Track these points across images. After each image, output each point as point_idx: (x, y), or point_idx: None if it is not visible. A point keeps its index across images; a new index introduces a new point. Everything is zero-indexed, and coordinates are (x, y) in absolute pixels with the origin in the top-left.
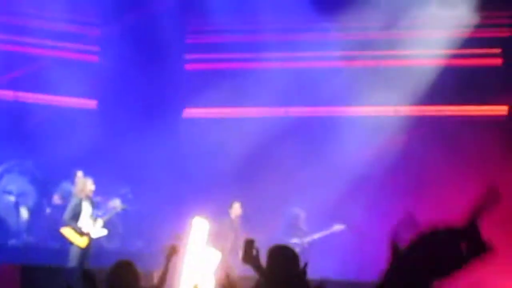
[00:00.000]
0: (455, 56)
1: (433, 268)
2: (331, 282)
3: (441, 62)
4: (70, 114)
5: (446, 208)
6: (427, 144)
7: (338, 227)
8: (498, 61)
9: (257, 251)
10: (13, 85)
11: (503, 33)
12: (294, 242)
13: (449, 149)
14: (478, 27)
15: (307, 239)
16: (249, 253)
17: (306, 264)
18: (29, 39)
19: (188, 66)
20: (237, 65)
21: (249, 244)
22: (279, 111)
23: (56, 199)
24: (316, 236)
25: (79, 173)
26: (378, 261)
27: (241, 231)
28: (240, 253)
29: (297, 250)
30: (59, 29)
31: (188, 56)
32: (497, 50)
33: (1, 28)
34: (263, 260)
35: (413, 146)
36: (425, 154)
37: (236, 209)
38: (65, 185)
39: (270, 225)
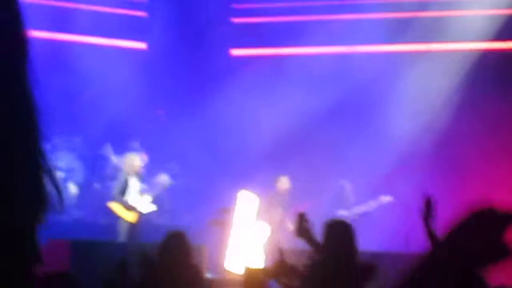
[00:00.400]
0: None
1: (478, 254)
2: (380, 254)
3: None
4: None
5: (492, 185)
6: (473, 121)
7: (385, 199)
8: None
9: (310, 225)
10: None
11: None
12: (342, 213)
13: (495, 127)
14: None
15: (356, 210)
16: (302, 227)
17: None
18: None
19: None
20: (282, 48)
21: (301, 218)
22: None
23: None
24: (364, 207)
25: (136, 144)
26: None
27: (289, 204)
28: (290, 227)
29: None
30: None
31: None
32: None
33: None
34: (317, 234)
35: (460, 123)
36: (472, 132)
37: (284, 182)
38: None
39: (318, 198)
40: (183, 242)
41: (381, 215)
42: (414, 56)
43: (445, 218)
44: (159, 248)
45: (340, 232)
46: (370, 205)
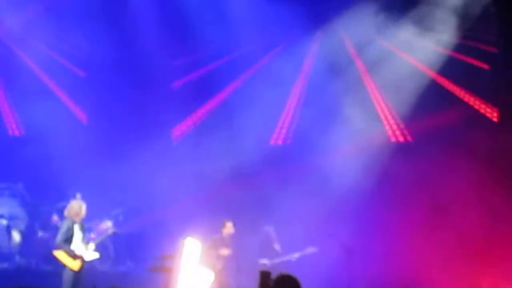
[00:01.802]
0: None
1: None
2: None
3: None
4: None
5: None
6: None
7: (310, 250)
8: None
9: (273, 283)
10: None
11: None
12: (264, 262)
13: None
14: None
15: (277, 260)
16: (265, 285)
17: None
18: None
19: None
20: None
21: (265, 276)
22: (263, 138)
23: (55, 219)
24: (286, 257)
25: (78, 195)
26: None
27: (233, 249)
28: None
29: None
30: None
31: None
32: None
33: None
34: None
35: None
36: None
37: (229, 228)
38: (62, 205)
39: (249, 245)
40: None
41: (306, 265)
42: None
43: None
44: None
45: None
46: (293, 256)
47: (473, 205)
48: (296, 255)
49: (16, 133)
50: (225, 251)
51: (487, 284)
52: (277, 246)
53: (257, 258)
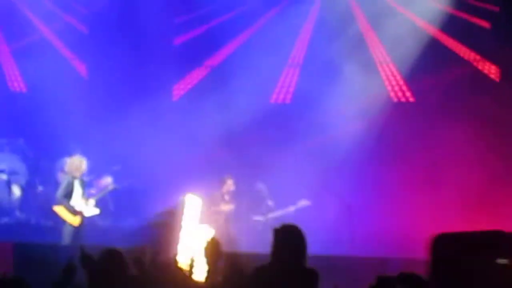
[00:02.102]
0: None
1: None
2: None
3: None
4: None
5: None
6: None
7: (303, 203)
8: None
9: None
10: None
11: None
12: (257, 219)
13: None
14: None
15: (271, 215)
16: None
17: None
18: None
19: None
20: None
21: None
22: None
23: (61, 175)
24: (280, 212)
25: (79, 152)
26: (337, 235)
27: (235, 205)
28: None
29: (260, 226)
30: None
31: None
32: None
33: None
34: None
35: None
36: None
37: (229, 184)
38: (63, 161)
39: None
40: (117, 260)
41: (300, 220)
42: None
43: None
44: (95, 266)
45: (287, 237)
46: (287, 210)
47: (472, 164)
48: (290, 209)
49: (19, 89)
50: (225, 206)
51: None
52: (270, 202)
53: (250, 214)
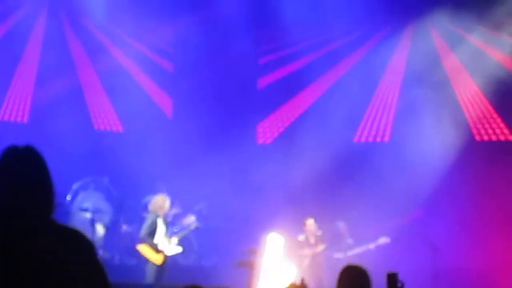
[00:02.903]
0: None
1: None
2: None
3: None
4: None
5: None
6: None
7: (383, 240)
8: None
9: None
10: None
11: None
12: (337, 257)
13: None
14: None
15: (350, 252)
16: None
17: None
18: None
19: (261, 85)
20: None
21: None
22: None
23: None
24: (360, 249)
25: (165, 190)
26: (419, 274)
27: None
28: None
29: (341, 264)
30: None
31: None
32: None
33: None
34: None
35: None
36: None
37: (310, 225)
38: (148, 200)
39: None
40: None
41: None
42: None
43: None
44: None
45: (353, 278)
46: (367, 247)
47: None
48: (370, 246)
49: (109, 127)
50: (307, 251)
51: None
52: (349, 240)
53: (330, 252)
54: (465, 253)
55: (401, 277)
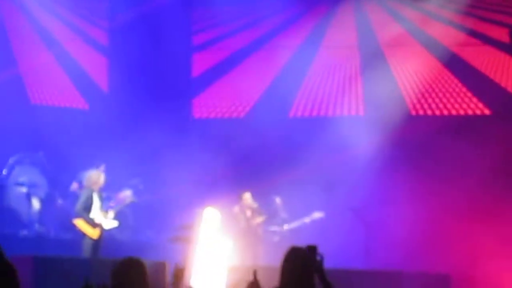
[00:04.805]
0: None
1: None
2: (343, 271)
3: None
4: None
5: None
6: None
7: (317, 215)
8: None
9: (322, 258)
10: None
11: None
12: (273, 230)
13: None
14: None
15: (286, 226)
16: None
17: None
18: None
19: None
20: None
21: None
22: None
23: (75, 186)
24: (295, 223)
25: (102, 166)
26: (352, 250)
27: (253, 221)
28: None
29: (276, 238)
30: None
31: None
32: None
33: None
34: None
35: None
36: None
37: (246, 199)
38: (83, 174)
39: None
40: (138, 269)
41: (313, 231)
42: None
43: None
44: (112, 274)
45: (300, 257)
46: (302, 221)
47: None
48: (305, 220)
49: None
50: (243, 224)
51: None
52: (284, 215)
53: (265, 226)
54: (395, 227)
55: (333, 251)
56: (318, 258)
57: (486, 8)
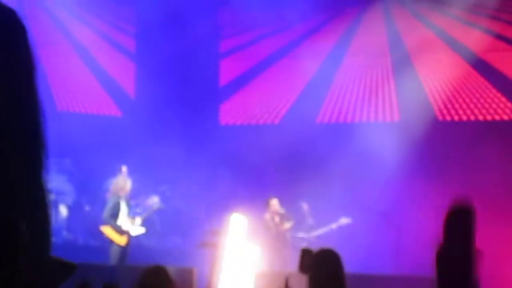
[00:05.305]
0: None
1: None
2: (368, 277)
3: None
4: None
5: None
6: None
7: (344, 221)
8: None
9: (313, 258)
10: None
11: None
12: (301, 236)
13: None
14: None
15: (314, 233)
16: (307, 263)
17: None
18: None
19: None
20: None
21: (306, 254)
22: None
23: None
24: (323, 229)
25: (124, 168)
26: (382, 255)
27: (282, 227)
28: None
29: (304, 244)
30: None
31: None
32: None
33: None
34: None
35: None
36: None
37: (274, 205)
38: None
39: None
40: (162, 278)
41: (341, 237)
42: None
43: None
44: (138, 285)
45: (330, 261)
46: (329, 227)
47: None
48: (332, 226)
49: (66, 108)
50: (273, 230)
51: None
52: (310, 221)
53: (293, 232)
54: (424, 233)
55: (363, 256)
56: (311, 261)
57: None
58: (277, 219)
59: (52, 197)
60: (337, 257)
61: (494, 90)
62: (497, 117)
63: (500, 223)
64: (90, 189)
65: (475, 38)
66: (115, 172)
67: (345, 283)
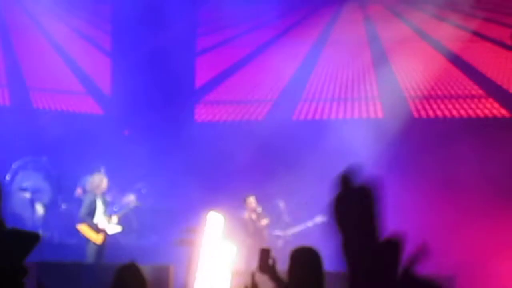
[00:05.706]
0: None
1: None
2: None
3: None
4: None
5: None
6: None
7: (320, 219)
8: None
9: (274, 261)
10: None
11: None
12: (277, 234)
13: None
14: None
15: (290, 231)
16: (265, 263)
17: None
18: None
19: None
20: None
21: (265, 253)
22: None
23: (79, 192)
24: (299, 228)
25: (102, 170)
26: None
27: (259, 224)
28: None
29: (280, 242)
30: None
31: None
32: None
33: None
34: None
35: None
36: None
37: (250, 203)
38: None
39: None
40: (135, 275)
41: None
42: None
43: None
44: (112, 280)
45: (308, 259)
46: (305, 225)
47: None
48: (308, 224)
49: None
50: (251, 228)
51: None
52: (287, 219)
53: (269, 230)
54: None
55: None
56: (270, 261)
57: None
58: (254, 216)
59: (28, 195)
60: (316, 255)
61: (469, 87)
62: (471, 113)
63: (477, 220)
64: (67, 187)
65: (451, 34)
66: (92, 170)
67: (324, 281)
